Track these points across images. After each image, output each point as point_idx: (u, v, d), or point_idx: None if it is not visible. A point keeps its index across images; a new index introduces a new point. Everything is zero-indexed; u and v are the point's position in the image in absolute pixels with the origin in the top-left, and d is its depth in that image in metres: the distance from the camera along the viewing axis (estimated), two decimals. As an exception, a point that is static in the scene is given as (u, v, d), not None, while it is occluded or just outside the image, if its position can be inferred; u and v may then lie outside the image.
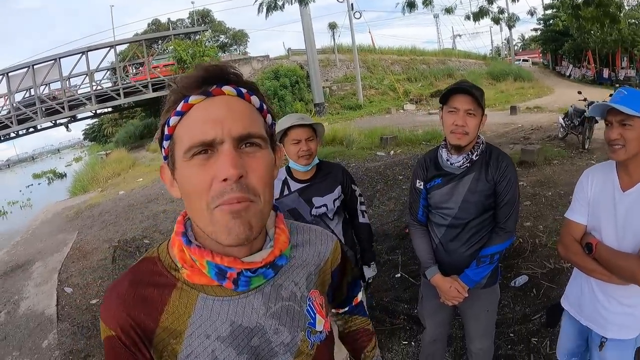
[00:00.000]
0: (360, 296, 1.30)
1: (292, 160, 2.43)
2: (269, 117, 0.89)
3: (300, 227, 1.07)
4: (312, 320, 0.97)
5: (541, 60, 38.33)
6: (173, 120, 0.80)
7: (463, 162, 2.13)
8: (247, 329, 0.88)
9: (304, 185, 2.48)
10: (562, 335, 2.26)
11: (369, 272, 2.71)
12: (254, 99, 0.85)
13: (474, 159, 2.13)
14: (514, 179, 2.15)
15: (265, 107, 0.88)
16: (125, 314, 0.83)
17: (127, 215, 9.67)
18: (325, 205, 2.48)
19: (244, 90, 0.84)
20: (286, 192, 2.48)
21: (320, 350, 0.98)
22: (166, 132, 0.82)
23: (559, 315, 2.27)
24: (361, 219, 2.68)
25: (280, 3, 7.99)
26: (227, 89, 0.81)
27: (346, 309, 1.28)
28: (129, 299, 0.84)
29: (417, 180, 2.33)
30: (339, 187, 2.53)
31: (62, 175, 27.90)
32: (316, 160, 2.47)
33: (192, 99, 0.79)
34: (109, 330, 0.84)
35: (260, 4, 8.04)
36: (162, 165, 0.89)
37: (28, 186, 25.38)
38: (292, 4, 8.32)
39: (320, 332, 0.98)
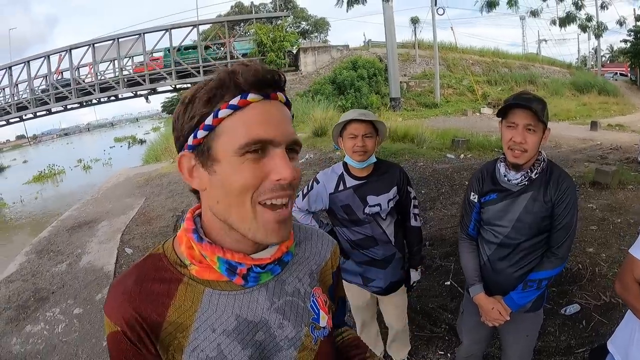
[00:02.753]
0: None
1: (347, 155, 2.42)
2: None
3: (301, 226, 1.11)
4: (315, 316, 0.99)
5: (629, 74, 35.88)
6: (224, 112, 0.79)
7: (521, 180, 2.02)
8: (252, 323, 0.90)
9: (360, 182, 2.46)
10: None
11: (415, 275, 2.70)
12: (291, 110, 0.89)
13: (533, 177, 2.01)
14: (573, 202, 2.01)
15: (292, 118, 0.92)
16: (132, 309, 0.84)
17: (194, 188, 10.02)
18: (379, 204, 2.46)
19: (289, 100, 0.88)
20: (341, 187, 2.47)
21: (324, 345, 1.00)
22: (209, 123, 0.80)
23: (603, 358, 2.14)
24: (413, 222, 2.65)
25: None
26: (281, 95, 0.85)
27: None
28: (134, 294, 0.85)
29: (472, 193, 2.25)
30: (395, 187, 2.51)
31: (142, 141, 29.50)
32: (373, 159, 2.45)
33: (252, 96, 0.80)
34: (113, 326, 0.85)
35: None
36: (182, 155, 0.85)
37: (111, 147, 27.26)
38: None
39: (324, 327, 1.00)
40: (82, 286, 5.28)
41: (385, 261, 2.57)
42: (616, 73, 36.03)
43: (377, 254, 2.55)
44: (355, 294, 2.74)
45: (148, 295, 0.85)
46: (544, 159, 2.03)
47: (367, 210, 2.45)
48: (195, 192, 0.91)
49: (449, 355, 3.30)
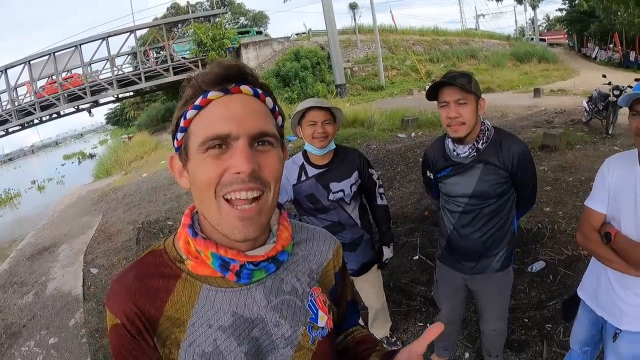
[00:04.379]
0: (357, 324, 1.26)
1: (307, 143, 2.46)
2: (279, 119, 0.93)
3: (304, 226, 1.11)
4: (313, 316, 0.99)
5: (566, 41, 37.34)
6: (190, 113, 0.83)
7: (470, 152, 2.12)
8: (248, 320, 0.91)
9: (321, 170, 2.51)
10: (576, 324, 2.26)
11: (388, 252, 2.78)
12: (268, 100, 0.89)
13: (481, 147, 2.11)
14: (528, 162, 2.16)
15: (277, 108, 0.93)
16: (131, 303, 0.86)
17: (151, 197, 9.84)
18: (342, 190, 2.52)
19: (259, 91, 0.88)
20: (303, 177, 2.52)
21: (322, 345, 1.00)
22: (182, 125, 0.85)
23: (575, 307, 2.26)
24: (379, 201, 2.73)
25: None
26: (245, 88, 0.85)
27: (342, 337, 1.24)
28: (134, 288, 0.87)
29: (427, 171, 2.38)
30: (356, 172, 2.57)
31: (91, 156, 28.90)
32: (332, 145, 2.50)
33: (211, 94, 0.82)
34: (114, 319, 0.87)
35: None
36: (172, 156, 0.93)
37: (62, 165, 26.61)
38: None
39: (323, 328, 1.00)
40: (53, 314, 5.12)
41: (354, 244, 2.65)
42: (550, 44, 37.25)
43: (346, 238, 2.61)
44: None
45: (147, 290, 0.87)
46: (487, 128, 2.14)
47: (331, 197, 2.51)
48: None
49: (428, 325, 3.37)
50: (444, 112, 2.05)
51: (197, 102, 0.83)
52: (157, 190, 10.35)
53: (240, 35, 30.04)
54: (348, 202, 2.57)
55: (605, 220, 1.92)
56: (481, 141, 2.11)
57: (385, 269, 2.97)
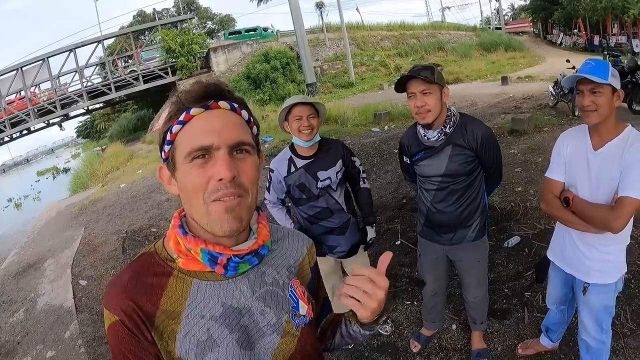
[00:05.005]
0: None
1: (295, 137, 2.65)
2: (254, 128, 1.04)
3: (279, 227, 1.22)
4: (295, 304, 1.08)
5: (532, 29, 37.99)
6: (175, 128, 0.93)
7: (439, 136, 2.37)
8: (237, 310, 0.99)
9: (308, 161, 2.71)
10: (550, 285, 2.52)
11: (371, 232, 2.97)
12: (244, 113, 0.99)
13: (448, 131, 2.36)
14: (492, 143, 2.42)
15: (252, 119, 1.03)
16: (128, 300, 0.92)
17: (132, 206, 9.79)
18: (329, 178, 2.72)
19: (236, 105, 0.97)
20: (293, 169, 2.71)
21: (305, 332, 1.09)
22: (168, 138, 0.95)
23: (546, 269, 2.51)
24: (362, 185, 2.96)
25: None
26: (222, 103, 0.95)
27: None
28: (130, 287, 0.94)
29: (404, 157, 2.63)
30: (340, 160, 2.77)
31: (66, 170, 28.40)
32: (317, 138, 2.70)
33: (194, 111, 0.92)
34: (113, 317, 0.92)
35: None
36: (160, 167, 1.02)
37: (36, 181, 26.16)
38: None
39: (304, 315, 1.09)
40: (47, 328, 5.09)
41: (343, 227, 2.85)
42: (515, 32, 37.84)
43: (335, 223, 2.82)
44: (321, 263, 2.96)
45: (142, 287, 0.95)
46: (453, 113, 2.40)
47: (319, 185, 2.71)
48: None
49: (415, 303, 3.63)
50: (412, 102, 2.30)
51: (181, 118, 0.92)
52: (137, 199, 10.30)
53: (247, 34, 30.37)
54: (335, 189, 2.77)
55: (564, 187, 2.16)
56: (448, 125, 2.36)
57: (370, 251, 3.16)
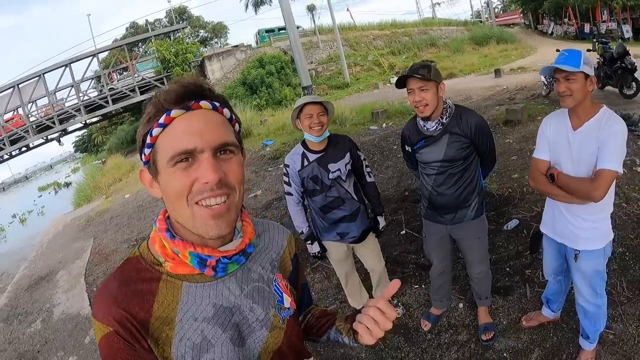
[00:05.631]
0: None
1: (306, 133, 2.89)
2: (237, 126, 1.02)
3: (258, 221, 1.22)
4: (280, 298, 1.10)
5: (522, 20, 38.04)
6: (156, 131, 0.90)
7: (437, 127, 2.63)
8: (228, 309, 1.00)
9: (319, 155, 2.95)
10: (545, 256, 2.74)
11: (382, 221, 3.25)
12: (225, 111, 0.98)
13: (445, 122, 2.61)
14: (486, 131, 2.68)
15: (234, 117, 1.01)
16: (120, 309, 0.90)
17: (139, 215, 9.92)
18: (339, 169, 2.97)
19: (217, 104, 0.95)
20: (306, 162, 2.96)
21: (290, 324, 1.12)
22: (148, 141, 0.92)
23: (539, 241, 2.75)
24: (368, 179, 3.19)
25: None
26: (204, 103, 0.92)
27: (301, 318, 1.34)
28: (121, 295, 0.92)
29: (406, 146, 2.89)
30: (348, 153, 3.02)
31: (67, 184, 28.54)
32: (327, 133, 2.95)
33: (174, 112, 0.89)
34: (105, 328, 0.90)
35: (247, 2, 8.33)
36: (141, 170, 0.99)
37: (39, 196, 26.34)
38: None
39: (288, 308, 1.12)
40: (66, 336, 5.17)
41: (353, 214, 3.08)
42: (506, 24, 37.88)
43: (346, 210, 3.05)
44: (334, 250, 3.23)
45: (133, 295, 0.93)
46: (449, 106, 2.65)
47: (330, 176, 2.96)
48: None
49: (423, 286, 3.83)
50: (411, 97, 2.57)
51: (161, 121, 0.89)
52: (144, 208, 10.41)
53: (280, 32, 30.73)
54: (344, 180, 3.01)
55: (550, 165, 2.40)
56: (445, 116, 2.61)
57: (381, 236, 3.40)
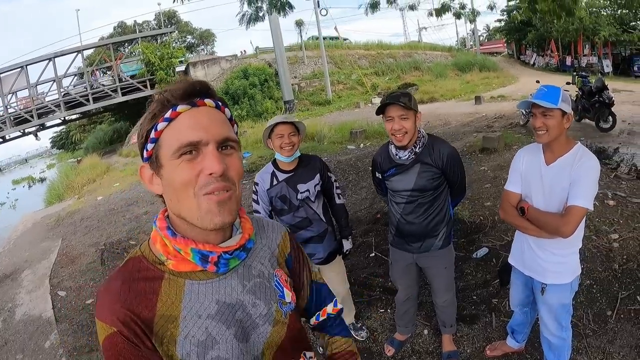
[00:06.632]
0: (331, 308, 1.37)
1: (277, 153, 2.89)
2: (235, 127, 1.06)
3: (254, 218, 1.22)
4: (281, 293, 1.12)
5: (506, 50, 38.86)
6: (161, 125, 0.93)
7: (409, 155, 2.65)
8: (230, 305, 1.01)
9: (289, 175, 2.95)
10: (512, 288, 2.78)
11: (347, 244, 3.25)
12: (227, 111, 1.03)
13: (418, 151, 2.63)
14: (457, 162, 2.71)
15: (232, 118, 1.06)
16: (124, 309, 0.91)
17: (110, 219, 9.74)
18: (308, 190, 2.97)
19: (220, 103, 1.00)
20: (275, 182, 2.95)
21: (292, 318, 1.14)
22: (152, 136, 0.94)
23: (508, 273, 2.78)
24: (337, 201, 3.21)
25: (260, 14, 8.33)
26: (208, 101, 0.97)
27: (315, 319, 1.35)
28: (124, 295, 0.92)
29: (376, 172, 2.91)
30: (318, 174, 3.02)
31: (42, 179, 27.99)
32: (298, 153, 2.94)
33: (180, 107, 0.93)
34: (109, 328, 0.90)
35: (242, 16, 8.37)
36: (142, 166, 1.00)
37: (12, 189, 25.80)
38: (271, 14, 8.68)
39: (289, 302, 1.13)
40: (27, 338, 5.04)
41: (320, 236, 3.09)
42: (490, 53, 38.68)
43: (314, 231, 3.06)
44: None
45: (136, 294, 0.93)
46: (423, 135, 2.68)
47: (299, 196, 2.96)
48: (161, 197, 1.02)
49: (388, 310, 3.84)
50: (389, 125, 2.57)
51: (167, 115, 0.92)
52: (115, 212, 10.27)
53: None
54: (313, 200, 3.02)
55: (521, 198, 2.44)
56: (418, 146, 2.64)
57: (346, 262, 3.41)
